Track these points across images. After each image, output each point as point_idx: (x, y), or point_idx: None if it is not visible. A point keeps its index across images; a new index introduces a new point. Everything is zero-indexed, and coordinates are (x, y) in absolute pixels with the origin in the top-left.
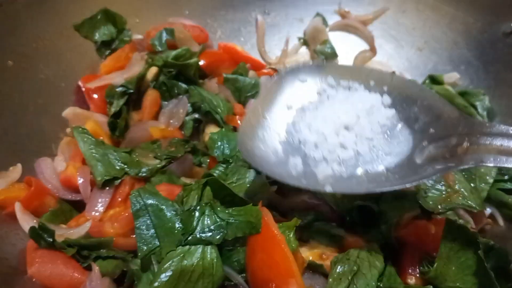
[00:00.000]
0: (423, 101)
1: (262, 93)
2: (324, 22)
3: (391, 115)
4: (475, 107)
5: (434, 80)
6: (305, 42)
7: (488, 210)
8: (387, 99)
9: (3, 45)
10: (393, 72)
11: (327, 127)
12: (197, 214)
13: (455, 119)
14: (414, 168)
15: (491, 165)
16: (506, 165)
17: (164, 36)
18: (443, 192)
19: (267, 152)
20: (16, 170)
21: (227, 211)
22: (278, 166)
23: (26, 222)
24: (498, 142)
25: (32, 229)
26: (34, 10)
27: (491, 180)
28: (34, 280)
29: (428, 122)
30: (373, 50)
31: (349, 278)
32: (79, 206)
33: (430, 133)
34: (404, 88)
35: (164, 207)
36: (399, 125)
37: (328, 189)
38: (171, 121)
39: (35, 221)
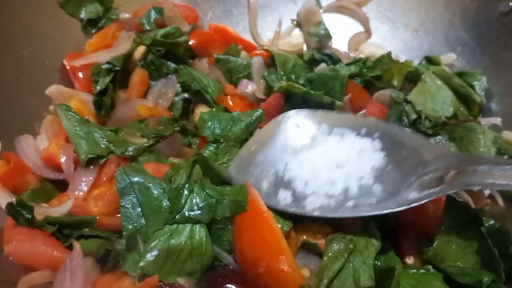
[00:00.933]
0: (412, 145)
1: (257, 134)
2: (318, 3)
3: (380, 158)
4: (473, 87)
5: (430, 61)
6: (298, 24)
7: (487, 190)
8: (377, 144)
9: None
10: (385, 120)
11: (319, 164)
12: (185, 192)
13: (443, 156)
14: (402, 198)
15: (478, 188)
16: (490, 188)
17: (153, 14)
18: None
19: (256, 185)
20: None
21: (218, 189)
22: (266, 197)
23: (4, 198)
24: (485, 168)
25: (10, 205)
26: None
27: None
28: (11, 258)
29: (417, 163)
30: (368, 32)
31: (345, 256)
32: (62, 186)
33: (418, 171)
34: (395, 134)
35: (151, 185)
36: (389, 167)
37: (316, 214)
38: (160, 101)
39: (13, 198)
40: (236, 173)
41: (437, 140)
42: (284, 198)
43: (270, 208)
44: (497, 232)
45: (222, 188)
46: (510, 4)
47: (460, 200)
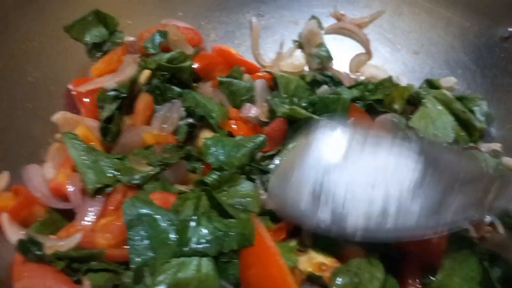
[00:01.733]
0: (448, 162)
1: (290, 151)
2: (319, 25)
3: (416, 176)
4: (473, 112)
5: (431, 84)
6: (300, 45)
7: (488, 218)
8: (412, 161)
9: None
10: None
11: (355, 183)
12: (193, 224)
13: (481, 176)
14: (441, 220)
15: None
16: None
17: (157, 38)
18: None
19: (295, 205)
20: (3, 178)
21: (225, 222)
22: (306, 218)
23: (14, 234)
24: None
25: (20, 242)
26: (23, 11)
27: None
28: None
29: (454, 181)
30: (368, 54)
31: None
32: (69, 215)
33: (455, 191)
34: (429, 150)
35: (158, 216)
36: (425, 186)
37: (358, 239)
38: (165, 125)
39: (23, 232)
40: (275, 193)
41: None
42: (323, 220)
43: (311, 229)
44: (500, 262)
45: (229, 221)
46: (509, 29)
47: (463, 233)
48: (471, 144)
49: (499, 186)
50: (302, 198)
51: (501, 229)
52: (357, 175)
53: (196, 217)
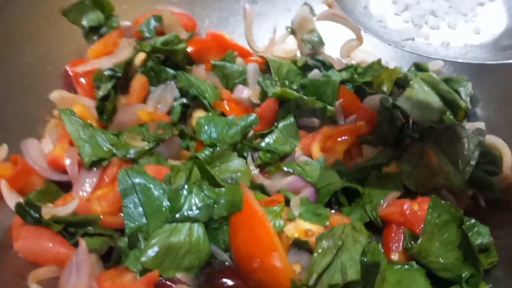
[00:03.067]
0: None
1: None
2: (311, 11)
3: None
4: (458, 93)
5: (419, 67)
6: (292, 31)
7: (469, 191)
8: None
9: None
10: None
11: None
12: (185, 192)
13: None
14: (497, 49)
15: None
16: None
17: (152, 23)
18: (427, 173)
19: (356, 2)
20: (2, 150)
21: (215, 190)
22: (364, 16)
23: (12, 199)
24: None
25: (18, 205)
26: None
27: (473, 162)
28: (20, 255)
29: None
30: (359, 39)
31: (334, 252)
32: (66, 187)
33: None
34: None
35: (151, 185)
36: (498, 6)
37: (407, 49)
38: (159, 106)
39: (21, 199)
40: None
41: None
42: (380, 22)
43: (365, 30)
44: (478, 229)
45: (219, 189)
46: None
47: (443, 202)
48: (455, 123)
49: None
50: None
51: (482, 202)
52: None
53: (187, 186)
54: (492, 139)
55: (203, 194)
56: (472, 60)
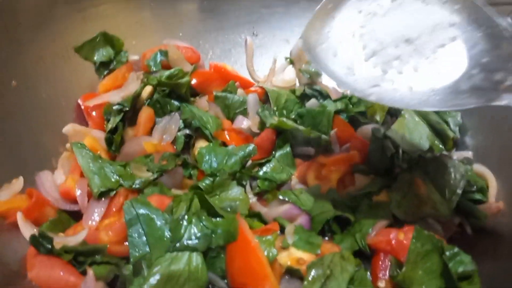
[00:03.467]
0: (487, 29)
1: None
2: None
3: (453, 36)
4: (447, 123)
5: None
6: (291, 61)
7: (456, 219)
8: (454, 19)
9: (8, 67)
10: None
11: (389, 36)
12: (184, 223)
13: (509, 55)
14: (456, 93)
15: None
16: None
17: (159, 57)
18: (415, 202)
19: (327, 51)
20: (18, 182)
21: (213, 220)
22: (333, 64)
23: (27, 230)
24: None
25: (33, 236)
26: (37, 33)
27: (459, 191)
28: (33, 283)
29: (485, 50)
30: None
31: (322, 281)
32: (76, 216)
33: (483, 62)
34: (475, 11)
35: (154, 216)
36: (458, 48)
37: (372, 98)
38: (164, 136)
39: (35, 229)
40: (311, 36)
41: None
42: (348, 68)
43: (334, 80)
44: (460, 257)
45: (216, 220)
46: None
47: (426, 232)
48: (444, 152)
49: None
50: (334, 44)
51: (468, 229)
52: (393, 27)
53: (187, 217)
54: (479, 168)
55: (201, 224)
56: (433, 107)
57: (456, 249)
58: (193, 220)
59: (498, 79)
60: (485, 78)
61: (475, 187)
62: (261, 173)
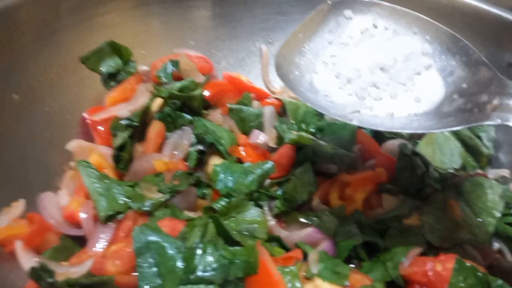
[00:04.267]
0: (462, 57)
1: (306, 22)
2: None
3: (427, 64)
4: (480, 138)
5: None
6: None
7: (495, 245)
8: (427, 48)
9: (10, 80)
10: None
11: (363, 64)
12: (199, 251)
13: (489, 78)
14: (439, 117)
15: None
16: None
17: (170, 67)
18: (450, 227)
19: (301, 78)
20: (18, 206)
21: (230, 249)
22: (309, 92)
23: (27, 261)
24: None
25: (33, 269)
26: (41, 44)
27: (498, 214)
28: None
29: (463, 77)
30: None
31: None
32: (81, 241)
33: (462, 87)
34: (447, 41)
35: (166, 244)
36: (434, 75)
37: (354, 122)
38: (175, 152)
39: (36, 259)
40: (282, 64)
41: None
42: (325, 96)
43: (313, 107)
44: None
45: (234, 248)
46: None
47: (469, 263)
48: (478, 171)
49: (506, 93)
50: (309, 71)
51: (509, 256)
52: (367, 55)
53: (202, 245)
54: None
55: (218, 253)
56: (417, 129)
57: (500, 281)
58: (209, 249)
59: (483, 100)
60: (468, 102)
61: None
62: (279, 192)
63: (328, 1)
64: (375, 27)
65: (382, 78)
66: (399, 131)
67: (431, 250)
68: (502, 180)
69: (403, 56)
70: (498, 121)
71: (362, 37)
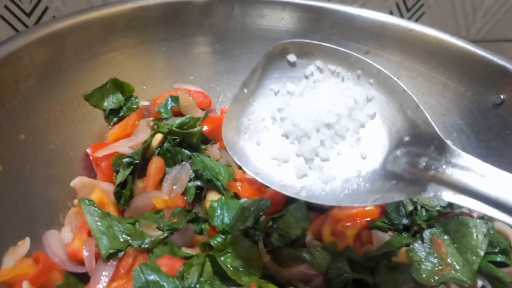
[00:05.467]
0: (403, 105)
1: (249, 75)
2: None
3: (372, 112)
4: None
5: None
6: None
7: (479, 283)
8: (371, 93)
9: (16, 120)
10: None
11: (309, 122)
12: None
13: (429, 135)
14: (384, 180)
15: (448, 200)
16: (460, 204)
17: (170, 103)
18: (436, 265)
19: (250, 139)
20: (24, 245)
21: None
22: (256, 156)
23: None
24: (462, 176)
25: None
26: (46, 83)
27: (482, 253)
28: None
29: (405, 128)
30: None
31: None
32: (84, 279)
33: (405, 141)
34: (389, 87)
35: (165, 283)
36: (379, 125)
37: (303, 195)
38: (174, 187)
39: None
40: (230, 126)
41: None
42: (273, 158)
43: (256, 171)
44: None
45: None
46: (502, 96)
47: None
48: (464, 210)
49: (436, 166)
50: (259, 131)
51: None
52: (312, 110)
53: (199, 285)
54: (502, 227)
55: None
56: (361, 203)
57: None
58: None
59: (422, 167)
60: (410, 164)
61: (498, 248)
62: (274, 228)
63: (270, 48)
64: (320, 70)
65: (327, 134)
66: (348, 205)
67: (419, 287)
68: (487, 218)
69: (347, 108)
70: (432, 195)
71: (307, 83)
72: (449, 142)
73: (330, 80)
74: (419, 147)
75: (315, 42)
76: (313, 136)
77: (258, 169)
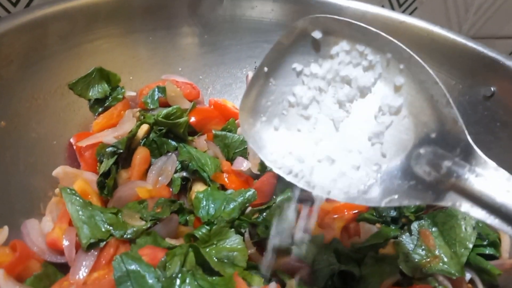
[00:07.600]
0: (433, 97)
1: (270, 52)
2: None
3: (399, 104)
4: None
5: None
6: None
7: (468, 276)
8: (400, 81)
9: None
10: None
11: (331, 110)
12: (178, 282)
13: (457, 135)
14: (403, 179)
15: (465, 211)
16: (480, 218)
17: (156, 94)
18: (424, 257)
19: (267, 122)
20: (2, 234)
21: (209, 279)
22: (272, 144)
23: None
24: (486, 189)
25: None
26: (29, 71)
27: (470, 246)
28: None
29: (433, 122)
30: None
31: None
32: (63, 269)
33: (431, 138)
34: (420, 75)
35: (146, 273)
36: (405, 115)
37: (316, 191)
38: (160, 178)
39: (18, 287)
40: (246, 107)
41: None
42: (290, 152)
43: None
44: None
45: (212, 278)
46: (492, 89)
47: None
48: None
49: (458, 174)
50: (277, 115)
51: (480, 286)
52: (335, 92)
53: (181, 275)
54: None
55: (196, 283)
56: (373, 203)
57: None
58: (187, 279)
59: (444, 172)
60: (433, 165)
61: (487, 240)
62: (260, 219)
63: (295, 23)
64: (346, 52)
65: (349, 125)
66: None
67: (405, 280)
68: None
69: (373, 103)
70: (450, 205)
71: (331, 66)
72: (476, 148)
73: (356, 61)
74: (444, 147)
75: (343, 18)
76: (332, 123)
77: (274, 157)
